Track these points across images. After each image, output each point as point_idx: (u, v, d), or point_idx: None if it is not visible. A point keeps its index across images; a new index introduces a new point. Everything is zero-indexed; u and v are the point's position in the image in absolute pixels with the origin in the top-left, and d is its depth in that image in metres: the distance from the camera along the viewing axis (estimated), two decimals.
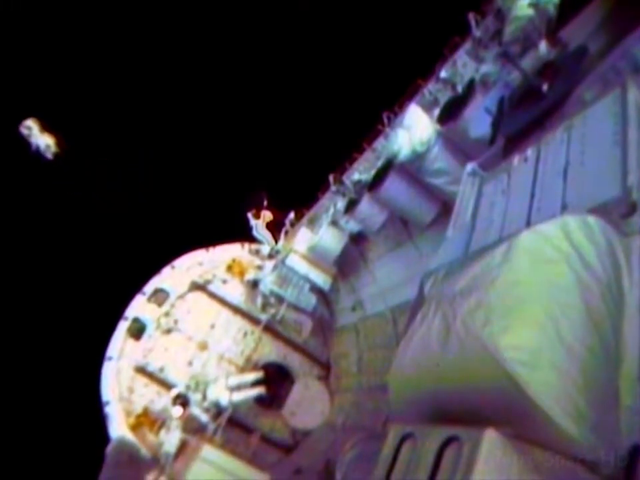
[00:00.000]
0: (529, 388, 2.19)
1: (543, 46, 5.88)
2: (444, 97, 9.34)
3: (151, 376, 12.42)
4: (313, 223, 13.72)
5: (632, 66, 4.41)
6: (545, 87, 5.54)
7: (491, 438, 2.03)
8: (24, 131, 14.91)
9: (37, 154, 15.08)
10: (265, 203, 14.05)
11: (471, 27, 7.63)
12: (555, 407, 2.21)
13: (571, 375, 2.34)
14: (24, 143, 14.89)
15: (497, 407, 2.30)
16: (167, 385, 12.36)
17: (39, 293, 22.48)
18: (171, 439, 10.69)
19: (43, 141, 15.35)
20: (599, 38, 5.44)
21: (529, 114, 5.52)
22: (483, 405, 2.38)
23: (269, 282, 13.24)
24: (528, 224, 3.98)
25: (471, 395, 2.47)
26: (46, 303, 22.24)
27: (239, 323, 13.52)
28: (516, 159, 4.84)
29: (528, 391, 2.19)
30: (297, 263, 12.89)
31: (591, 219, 2.95)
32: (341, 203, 12.29)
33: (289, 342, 13.77)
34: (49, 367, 21.81)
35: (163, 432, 11.26)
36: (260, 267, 13.92)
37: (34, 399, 21.72)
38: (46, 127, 15.05)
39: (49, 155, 15.31)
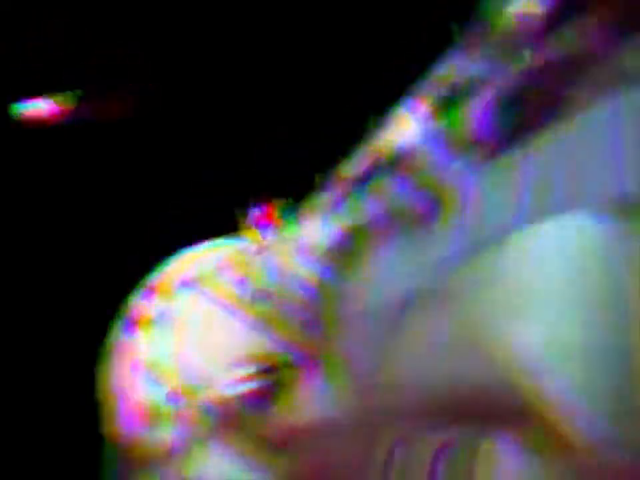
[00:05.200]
0: (543, 386, 1.83)
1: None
2: (439, 92, 8.81)
3: (145, 372, 12.09)
4: (302, 218, 13.27)
5: None
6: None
7: (491, 447, 1.74)
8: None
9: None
10: (254, 197, 13.69)
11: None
12: (577, 406, 1.81)
13: (598, 373, 1.89)
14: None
15: (503, 406, 1.98)
16: (160, 381, 12.04)
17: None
18: (165, 437, 10.19)
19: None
20: None
21: (531, 109, 5.13)
22: (489, 402, 2.07)
23: (258, 278, 12.94)
24: (526, 220, 3.71)
25: (476, 390, 2.20)
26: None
27: (230, 318, 13.20)
28: (517, 154, 4.45)
29: (541, 390, 1.83)
30: (287, 256, 12.63)
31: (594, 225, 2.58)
32: (331, 197, 12.08)
33: (281, 337, 13.34)
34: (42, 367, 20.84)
35: (159, 430, 10.80)
36: (249, 263, 13.58)
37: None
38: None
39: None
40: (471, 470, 1.74)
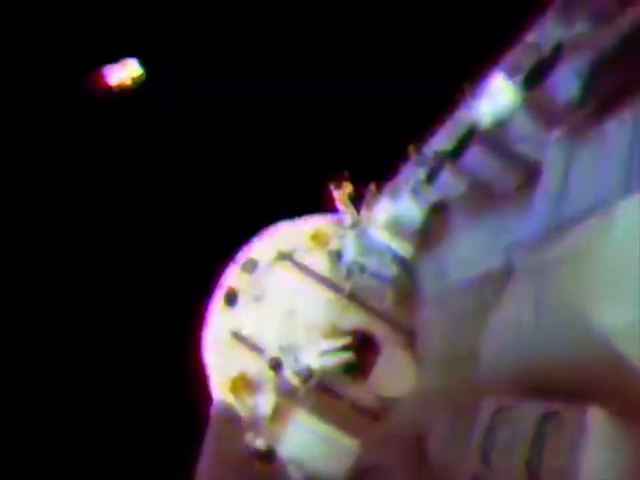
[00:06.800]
0: (636, 361, 1.90)
1: None
2: (529, 61, 8.50)
3: (245, 341, 13.32)
4: (393, 194, 13.54)
5: None
6: None
7: (597, 416, 1.81)
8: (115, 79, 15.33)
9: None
10: (346, 174, 14.35)
11: None
12: None
13: None
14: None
15: (599, 381, 2.01)
16: (260, 350, 13.20)
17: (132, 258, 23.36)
18: (264, 401, 11.45)
19: (124, 74, 15.88)
20: None
21: (625, 74, 4.99)
22: (583, 379, 2.09)
23: (351, 252, 13.57)
24: (626, 191, 3.55)
25: (568, 367, 2.22)
26: (139, 270, 23.16)
27: (323, 291, 13.97)
28: (611, 123, 4.41)
29: (635, 365, 1.89)
30: (378, 232, 12.94)
31: None
32: (421, 174, 11.95)
33: (372, 310, 13.81)
34: (150, 334, 22.83)
35: (257, 395, 11.95)
36: (342, 237, 14.21)
37: (140, 361, 22.80)
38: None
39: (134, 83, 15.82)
40: (574, 436, 1.99)
